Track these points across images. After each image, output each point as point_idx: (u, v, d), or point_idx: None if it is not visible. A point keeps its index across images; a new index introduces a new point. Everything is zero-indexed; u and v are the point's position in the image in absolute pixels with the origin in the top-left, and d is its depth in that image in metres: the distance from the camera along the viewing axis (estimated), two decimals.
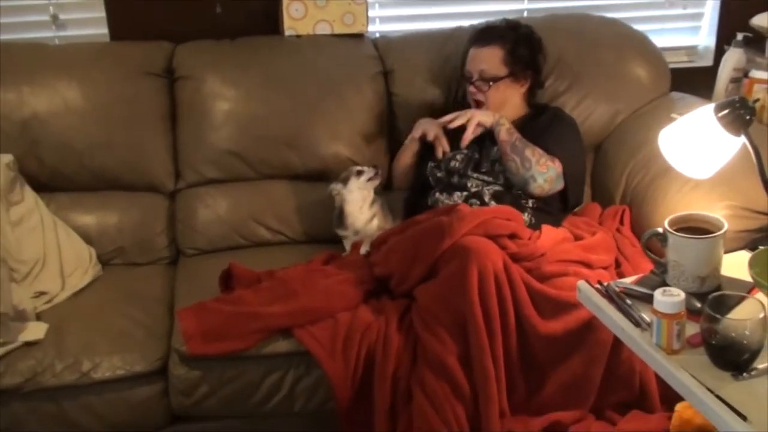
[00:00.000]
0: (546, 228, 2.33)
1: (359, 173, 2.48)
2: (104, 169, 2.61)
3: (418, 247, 2.14)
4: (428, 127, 2.48)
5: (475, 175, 2.47)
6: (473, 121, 2.37)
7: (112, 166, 2.61)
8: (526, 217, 2.39)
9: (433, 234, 2.13)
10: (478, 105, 2.52)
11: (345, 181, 2.48)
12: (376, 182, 2.50)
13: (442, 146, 2.44)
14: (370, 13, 2.90)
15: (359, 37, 2.87)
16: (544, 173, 2.35)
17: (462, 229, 2.11)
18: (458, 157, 2.52)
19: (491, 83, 2.49)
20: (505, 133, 2.38)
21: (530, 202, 2.42)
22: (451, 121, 2.41)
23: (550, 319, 2.01)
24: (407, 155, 2.60)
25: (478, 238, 2.08)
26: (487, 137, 2.47)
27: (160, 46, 2.77)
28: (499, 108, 2.51)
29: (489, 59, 2.50)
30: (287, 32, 2.81)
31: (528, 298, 2.02)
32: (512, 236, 2.19)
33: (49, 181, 2.60)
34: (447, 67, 2.75)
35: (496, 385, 1.97)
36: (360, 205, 2.48)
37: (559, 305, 2.01)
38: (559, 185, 2.40)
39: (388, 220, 2.54)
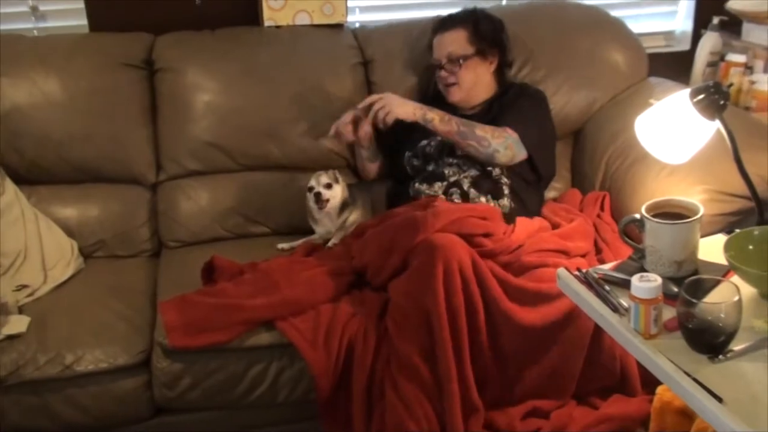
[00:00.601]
0: (520, 220, 2.35)
1: (328, 186, 2.47)
2: (84, 162, 2.60)
3: (392, 239, 2.16)
4: (341, 120, 2.47)
5: (449, 160, 2.49)
6: (390, 116, 2.35)
7: (93, 158, 2.60)
8: (506, 201, 2.42)
9: (408, 227, 2.15)
10: (451, 88, 2.54)
11: (329, 187, 2.47)
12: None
13: (345, 134, 2.46)
14: (350, 3, 2.90)
15: (339, 27, 2.87)
16: (503, 142, 2.36)
17: (436, 225, 2.13)
18: (432, 143, 2.54)
19: (461, 62, 2.51)
20: (442, 124, 2.37)
21: (506, 185, 2.43)
22: (366, 108, 2.39)
23: (530, 312, 2.03)
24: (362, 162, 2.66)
25: (446, 234, 2.09)
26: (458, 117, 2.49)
27: (140, 38, 2.76)
28: (472, 87, 2.54)
29: (455, 41, 2.54)
30: (267, 23, 2.81)
31: (502, 293, 2.03)
32: (487, 235, 2.21)
33: (29, 173, 2.59)
34: (426, 56, 2.73)
35: (457, 382, 1.97)
36: (339, 199, 2.50)
37: (537, 297, 2.03)
38: (522, 151, 2.41)
39: (366, 211, 2.55)
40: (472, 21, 2.55)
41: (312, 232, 2.56)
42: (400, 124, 2.61)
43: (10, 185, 2.47)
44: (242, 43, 2.75)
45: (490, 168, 2.44)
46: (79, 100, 2.59)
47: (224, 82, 2.67)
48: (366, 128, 2.45)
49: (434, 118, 2.37)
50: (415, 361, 1.98)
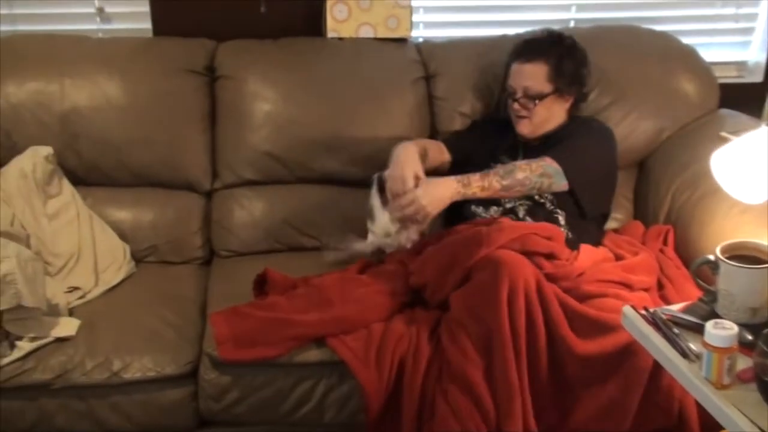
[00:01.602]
0: (585, 248, 2.29)
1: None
2: (142, 166, 2.60)
3: (454, 255, 2.11)
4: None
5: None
6: (427, 219, 2.19)
7: (150, 162, 2.60)
8: (562, 230, 2.35)
9: (470, 242, 2.10)
10: (522, 120, 2.47)
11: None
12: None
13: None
14: (414, 18, 2.87)
15: (402, 41, 2.84)
16: (540, 172, 2.26)
17: (499, 240, 2.08)
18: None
19: (537, 101, 2.43)
20: (484, 192, 2.22)
21: (561, 215, 2.38)
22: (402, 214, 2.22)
23: (588, 341, 1.96)
24: None
25: (512, 252, 2.04)
26: (520, 149, 2.44)
27: (203, 44, 2.76)
28: (543, 124, 2.46)
29: (534, 76, 2.43)
30: (330, 34, 2.79)
31: (563, 319, 1.97)
32: (550, 256, 2.15)
33: (87, 175, 2.59)
34: (489, 74, 2.70)
35: (520, 401, 1.92)
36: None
37: (598, 326, 1.96)
38: (562, 181, 2.29)
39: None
40: (556, 55, 2.43)
41: None
42: (465, 145, 2.56)
43: (67, 186, 2.48)
44: (304, 54, 2.73)
45: (542, 200, 2.39)
46: (139, 104, 2.59)
47: (284, 93, 2.65)
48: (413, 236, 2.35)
49: (475, 192, 2.22)
50: (469, 374, 1.93)
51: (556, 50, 2.45)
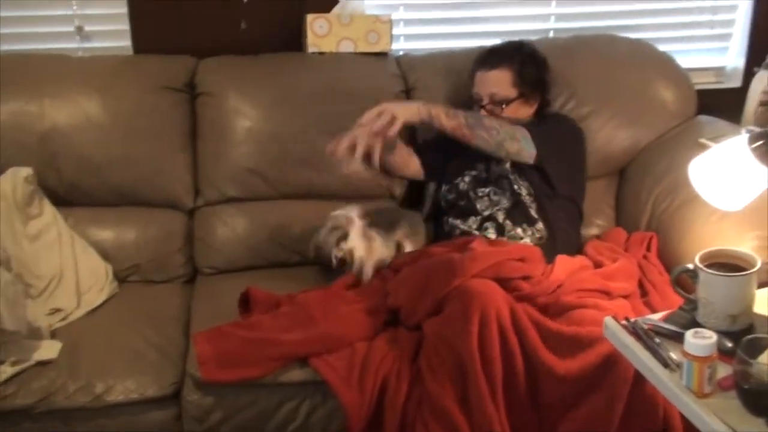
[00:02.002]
0: (560, 259, 2.29)
1: (349, 221, 2.38)
2: (123, 184, 2.59)
3: (425, 281, 2.11)
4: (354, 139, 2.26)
5: (481, 191, 2.46)
6: (396, 123, 2.21)
7: (132, 181, 2.59)
8: (540, 225, 2.39)
9: (443, 270, 2.10)
10: None
11: (345, 237, 2.36)
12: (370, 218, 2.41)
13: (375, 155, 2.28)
14: (395, 31, 2.88)
15: (383, 55, 2.84)
16: (511, 132, 2.31)
17: (473, 269, 2.08)
18: (466, 179, 2.52)
19: (503, 106, 2.48)
20: (448, 120, 2.27)
21: (533, 208, 2.40)
22: (369, 122, 2.24)
23: (568, 359, 1.95)
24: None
25: (484, 281, 2.04)
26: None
27: (183, 61, 2.75)
28: None
29: (498, 82, 2.49)
30: (311, 49, 2.79)
31: (540, 342, 1.96)
32: (525, 278, 2.16)
33: (68, 195, 2.58)
34: (469, 85, 2.70)
35: (500, 429, 1.91)
36: (366, 247, 2.37)
37: (576, 343, 1.95)
38: (530, 148, 2.34)
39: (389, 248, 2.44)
40: (518, 61, 2.50)
41: None
42: (441, 154, 2.57)
43: (48, 207, 2.46)
44: (285, 70, 2.73)
45: (518, 192, 2.41)
46: (120, 123, 2.58)
47: (266, 108, 2.64)
48: (377, 155, 2.29)
49: (440, 114, 2.28)
50: (447, 404, 1.92)
51: (518, 56, 2.52)
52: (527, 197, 2.42)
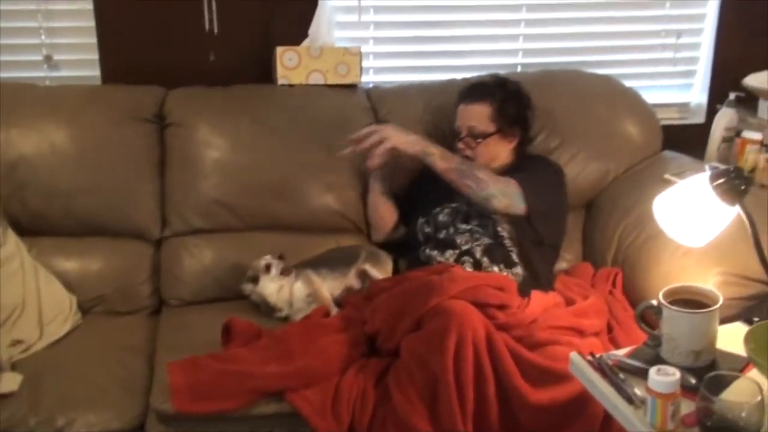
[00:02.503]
0: (536, 294, 2.30)
1: (267, 267, 2.42)
2: (89, 214, 2.57)
3: (405, 303, 2.10)
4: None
5: (462, 227, 2.46)
6: (387, 144, 2.35)
7: (98, 211, 2.57)
8: (519, 269, 2.38)
9: (422, 291, 2.10)
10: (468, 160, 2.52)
11: (255, 280, 2.42)
12: (290, 274, 2.43)
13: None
14: (364, 64, 2.89)
15: (353, 87, 2.85)
16: (502, 188, 2.34)
17: (451, 290, 2.08)
18: (446, 210, 2.52)
19: (480, 140, 2.50)
20: (442, 161, 2.36)
21: (515, 252, 2.40)
22: (362, 139, 2.38)
23: (540, 389, 1.95)
24: (377, 201, 2.61)
25: (462, 303, 2.04)
26: None
27: (152, 91, 2.75)
28: (489, 163, 2.51)
29: (477, 116, 2.53)
30: (280, 81, 2.79)
31: (515, 369, 1.96)
32: (501, 306, 2.16)
33: (32, 224, 2.55)
34: (439, 118, 2.74)
35: None
36: (277, 290, 2.41)
37: (549, 375, 1.96)
38: (520, 204, 2.36)
39: (309, 278, 2.46)
40: (499, 97, 2.54)
41: None
42: (414, 187, 2.59)
43: (11, 236, 2.43)
44: (254, 101, 2.74)
45: (501, 234, 2.41)
46: (87, 152, 2.57)
47: (234, 140, 2.64)
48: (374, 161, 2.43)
49: (435, 153, 2.35)
50: (413, 421, 1.90)
51: (500, 92, 2.56)
52: (509, 240, 2.42)
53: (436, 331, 1.95)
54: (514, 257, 2.40)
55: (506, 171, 2.52)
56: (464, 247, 2.42)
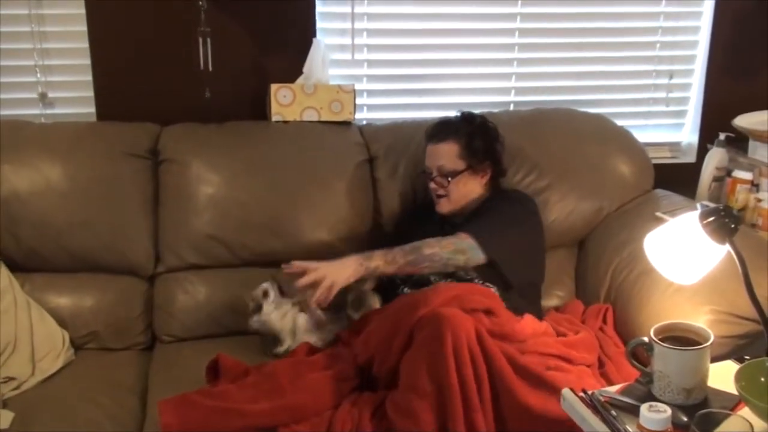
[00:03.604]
0: (528, 317, 2.31)
1: (265, 293, 2.42)
2: (83, 250, 2.57)
3: (395, 320, 2.10)
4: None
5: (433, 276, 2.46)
6: (326, 282, 2.20)
7: (91, 247, 2.57)
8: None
9: (409, 306, 2.10)
10: (441, 200, 2.54)
11: (259, 309, 2.41)
12: (274, 292, 2.43)
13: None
14: (358, 101, 2.92)
15: (346, 124, 2.88)
16: (452, 249, 2.31)
17: (436, 300, 2.08)
18: None
19: (450, 178, 2.51)
20: (388, 266, 2.29)
21: (494, 290, 2.39)
22: (306, 283, 2.22)
23: (533, 392, 1.95)
24: None
25: (449, 308, 2.04)
26: (447, 228, 2.45)
27: (146, 128, 2.76)
28: (461, 200, 2.53)
29: (445, 155, 2.53)
30: (274, 118, 2.82)
31: (509, 367, 1.96)
32: (488, 312, 2.16)
33: (26, 260, 2.55)
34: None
35: None
36: (281, 316, 2.41)
37: (542, 382, 1.96)
38: (478, 255, 2.34)
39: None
40: (466, 133, 2.54)
41: None
42: (399, 226, 2.60)
43: (4, 273, 2.43)
44: (248, 138, 2.76)
45: (468, 276, 2.42)
46: (81, 189, 2.57)
47: (228, 176, 2.65)
48: (318, 314, 2.40)
49: (378, 265, 2.28)
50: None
51: (466, 129, 2.56)
52: (479, 279, 2.43)
53: (431, 339, 1.95)
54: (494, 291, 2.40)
55: (478, 208, 2.54)
56: (439, 282, 2.43)
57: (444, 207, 2.54)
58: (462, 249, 2.32)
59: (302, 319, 2.42)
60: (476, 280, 2.41)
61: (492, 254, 2.35)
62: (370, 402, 2.07)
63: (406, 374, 1.99)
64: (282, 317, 2.41)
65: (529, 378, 1.98)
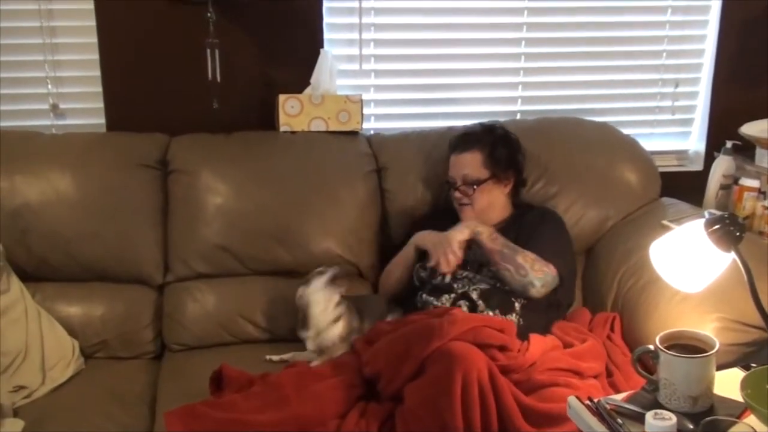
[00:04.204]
0: (534, 338, 2.31)
1: (321, 273, 2.43)
2: (93, 260, 2.59)
3: (407, 346, 2.11)
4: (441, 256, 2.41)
5: (460, 272, 2.47)
6: (453, 246, 2.37)
7: (101, 257, 2.59)
8: (514, 317, 2.39)
9: (424, 334, 2.10)
10: (464, 208, 2.56)
11: (307, 282, 2.43)
12: (342, 287, 2.44)
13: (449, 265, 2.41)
14: (366, 111, 2.94)
15: (354, 134, 2.89)
16: (541, 278, 2.36)
17: (452, 332, 2.09)
18: None
19: (475, 186, 2.54)
20: (489, 241, 2.41)
21: (518, 302, 2.41)
22: (438, 264, 2.39)
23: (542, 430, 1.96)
24: (400, 268, 2.61)
25: (465, 344, 2.05)
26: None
27: (156, 138, 2.79)
28: (486, 210, 2.55)
29: (470, 164, 2.57)
30: (282, 128, 2.84)
31: (517, 410, 1.97)
32: (502, 348, 2.17)
33: (36, 270, 2.57)
34: (439, 165, 2.76)
35: None
36: (324, 306, 2.40)
37: (547, 418, 1.97)
38: (554, 285, 2.41)
39: (354, 323, 2.45)
40: (489, 143, 2.58)
41: None
42: (416, 231, 2.60)
43: (15, 282, 2.45)
44: (256, 148, 2.78)
45: (506, 287, 2.42)
46: (91, 199, 2.60)
47: (237, 186, 2.67)
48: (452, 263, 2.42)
49: (483, 231, 2.41)
50: None
51: (489, 138, 2.60)
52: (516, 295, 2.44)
53: (442, 376, 1.96)
54: (516, 305, 2.41)
55: (508, 225, 2.56)
56: (460, 291, 2.44)
57: (468, 214, 2.56)
58: (547, 282, 2.37)
59: (339, 329, 2.41)
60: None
61: (562, 282, 2.42)
62: (378, 414, 2.07)
63: (413, 405, 1.99)
64: (324, 308, 2.40)
65: (534, 418, 1.97)
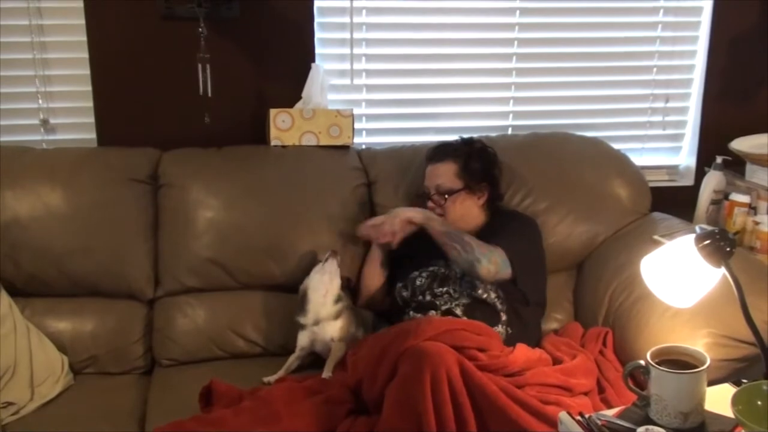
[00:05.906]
0: (521, 345, 2.32)
1: (328, 259, 2.50)
2: (83, 275, 2.58)
3: (383, 347, 2.10)
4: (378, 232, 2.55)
5: (440, 290, 2.48)
6: (402, 216, 2.49)
7: (91, 272, 2.58)
8: (500, 328, 2.39)
9: (399, 335, 2.11)
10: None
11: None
12: (334, 262, 2.50)
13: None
14: (357, 126, 2.94)
15: (345, 148, 2.90)
16: (487, 254, 2.38)
17: (428, 332, 2.09)
18: (423, 274, 2.54)
19: (447, 196, 2.56)
20: (439, 225, 2.48)
21: (503, 311, 2.41)
22: (379, 225, 2.52)
23: (532, 418, 1.94)
24: (373, 269, 2.64)
25: (435, 343, 2.04)
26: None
27: (146, 153, 2.78)
28: (458, 221, 2.56)
29: (444, 174, 2.60)
30: (273, 142, 2.84)
31: (507, 400, 1.95)
32: (482, 349, 2.17)
33: (26, 286, 2.56)
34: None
35: None
36: (323, 293, 2.45)
37: (541, 416, 1.95)
38: (506, 270, 2.40)
39: (351, 327, 2.48)
40: (464, 155, 2.61)
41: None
42: (396, 252, 2.61)
43: (4, 298, 2.43)
44: (247, 162, 2.77)
45: (482, 297, 2.43)
46: (81, 214, 2.59)
47: (227, 200, 2.67)
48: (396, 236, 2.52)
49: (435, 219, 2.51)
50: None
51: (465, 150, 2.64)
52: (497, 301, 2.44)
53: (411, 375, 1.95)
54: (502, 315, 2.41)
55: (482, 231, 2.56)
56: (444, 307, 2.44)
57: None
58: (494, 260, 2.38)
59: (336, 327, 2.45)
60: (491, 294, 2.43)
61: (516, 271, 2.42)
62: (366, 427, 2.06)
63: (388, 410, 1.98)
64: (325, 291, 2.46)
65: (529, 409, 1.96)
